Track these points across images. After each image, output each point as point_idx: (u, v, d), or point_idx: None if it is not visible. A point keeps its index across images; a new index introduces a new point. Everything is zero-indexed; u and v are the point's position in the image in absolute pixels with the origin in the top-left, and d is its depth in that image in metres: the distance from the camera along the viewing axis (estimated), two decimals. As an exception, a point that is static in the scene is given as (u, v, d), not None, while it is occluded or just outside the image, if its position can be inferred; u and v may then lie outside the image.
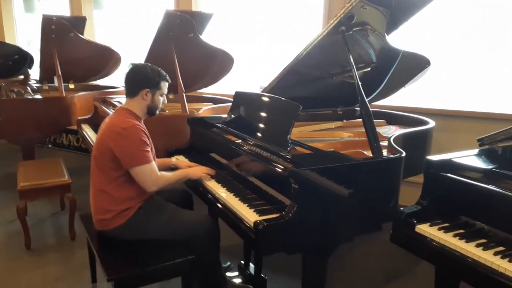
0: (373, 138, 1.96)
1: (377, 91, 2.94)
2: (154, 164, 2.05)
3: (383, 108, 3.31)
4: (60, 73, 4.19)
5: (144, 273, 1.91)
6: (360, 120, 3.09)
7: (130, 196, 2.05)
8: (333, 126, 2.96)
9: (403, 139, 2.37)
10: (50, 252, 2.94)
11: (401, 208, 1.80)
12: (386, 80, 2.83)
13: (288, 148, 1.94)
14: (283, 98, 2.18)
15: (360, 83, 2.09)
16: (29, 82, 4.88)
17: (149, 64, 2.16)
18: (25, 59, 5.32)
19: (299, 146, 2.14)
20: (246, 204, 1.88)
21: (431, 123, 2.79)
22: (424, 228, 1.67)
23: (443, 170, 1.76)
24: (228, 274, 2.56)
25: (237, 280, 2.49)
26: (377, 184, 1.90)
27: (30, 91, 4.32)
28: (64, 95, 4.12)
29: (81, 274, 2.61)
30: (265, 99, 2.33)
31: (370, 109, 2.05)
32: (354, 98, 2.86)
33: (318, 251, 1.81)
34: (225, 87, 4.47)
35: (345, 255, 2.83)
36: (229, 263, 2.68)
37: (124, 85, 2.14)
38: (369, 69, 2.70)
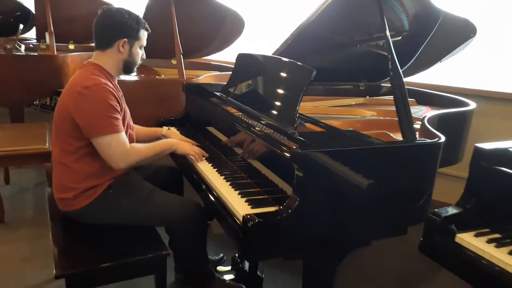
0: (406, 118, 1.53)
1: (407, 65, 2.48)
2: (123, 135, 1.64)
3: (410, 85, 2.85)
4: (52, 29, 3.79)
5: (106, 270, 1.54)
6: (385, 98, 2.69)
7: (95, 172, 1.66)
8: (353, 103, 2.55)
9: (438, 121, 1.93)
10: (23, 227, 2.62)
11: (435, 210, 1.39)
12: (419, 51, 2.37)
13: (295, 124, 1.54)
14: (294, 61, 1.76)
15: (394, 53, 1.65)
16: (20, 38, 4.50)
17: (124, 8, 1.74)
18: (27, 16, 4.92)
19: (309, 123, 1.73)
20: (238, 191, 1.49)
21: (472, 105, 2.33)
22: (467, 239, 1.26)
23: (497, 162, 1.34)
24: (221, 268, 2.19)
25: (229, 277, 2.11)
26: (407, 176, 1.48)
27: (20, 48, 3.95)
28: (55, 53, 3.74)
29: (51, 257, 2.28)
30: (273, 62, 1.91)
31: (405, 84, 1.61)
32: (380, 71, 2.47)
33: (325, 257, 1.42)
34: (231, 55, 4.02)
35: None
36: (222, 255, 2.32)
37: (93, 34, 1.74)
38: (399, 38, 2.25)
